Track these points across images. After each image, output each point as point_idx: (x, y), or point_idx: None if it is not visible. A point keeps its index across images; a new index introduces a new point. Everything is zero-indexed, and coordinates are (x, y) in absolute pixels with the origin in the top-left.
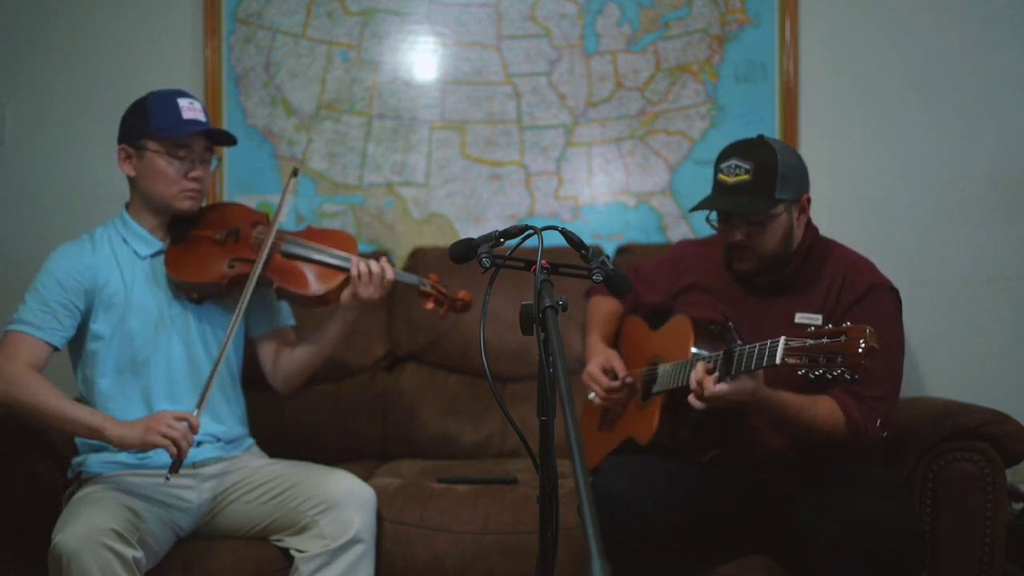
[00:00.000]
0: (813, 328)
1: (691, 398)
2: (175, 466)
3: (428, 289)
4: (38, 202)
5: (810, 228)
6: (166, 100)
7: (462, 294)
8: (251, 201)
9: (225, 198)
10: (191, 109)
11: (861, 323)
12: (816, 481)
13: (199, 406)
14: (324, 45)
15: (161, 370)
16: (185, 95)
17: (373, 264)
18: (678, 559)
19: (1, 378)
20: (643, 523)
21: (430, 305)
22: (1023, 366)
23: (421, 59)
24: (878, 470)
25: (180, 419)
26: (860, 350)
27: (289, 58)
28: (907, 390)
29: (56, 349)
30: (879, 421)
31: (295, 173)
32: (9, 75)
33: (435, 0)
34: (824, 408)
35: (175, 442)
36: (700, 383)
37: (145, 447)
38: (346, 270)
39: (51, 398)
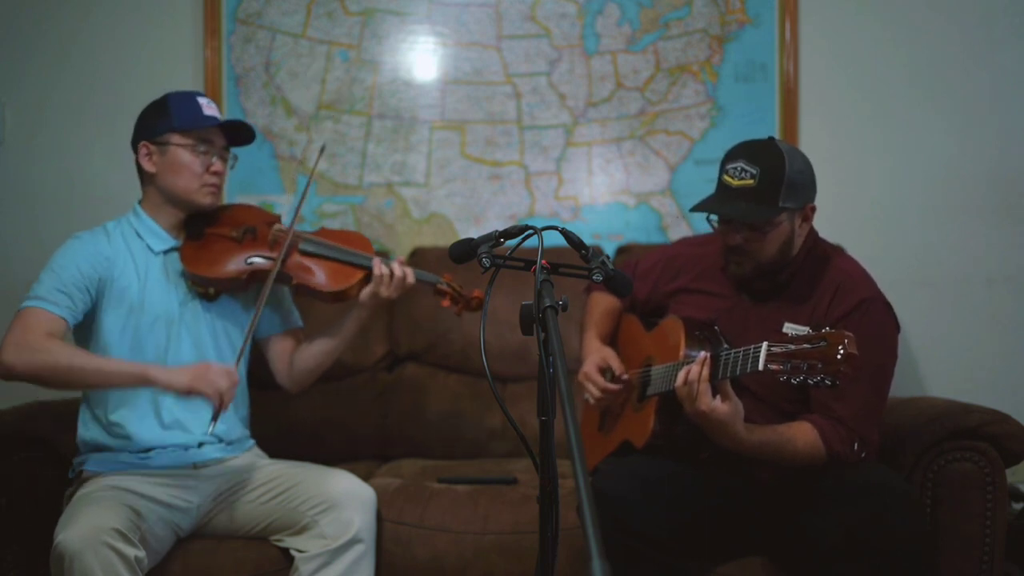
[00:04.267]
0: (795, 335)
1: (677, 387)
2: (216, 416)
3: (444, 287)
4: (38, 202)
5: (811, 235)
6: (186, 98)
7: (476, 292)
8: (251, 201)
9: (225, 198)
10: (210, 107)
11: None
12: (818, 482)
13: (237, 362)
14: (324, 45)
15: (172, 366)
16: (202, 95)
17: (396, 267)
18: (678, 559)
19: (26, 348)
20: (643, 523)
21: (446, 303)
22: (1023, 366)
23: (421, 59)
24: (881, 470)
25: (223, 373)
26: (839, 356)
27: (289, 58)
28: (907, 390)
29: (69, 327)
30: (856, 444)
31: (322, 151)
32: (9, 75)
33: (435, 0)
34: (803, 441)
35: (220, 394)
36: (694, 384)
37: (190, 393)
38: (365, 268)
39: (84, 356)
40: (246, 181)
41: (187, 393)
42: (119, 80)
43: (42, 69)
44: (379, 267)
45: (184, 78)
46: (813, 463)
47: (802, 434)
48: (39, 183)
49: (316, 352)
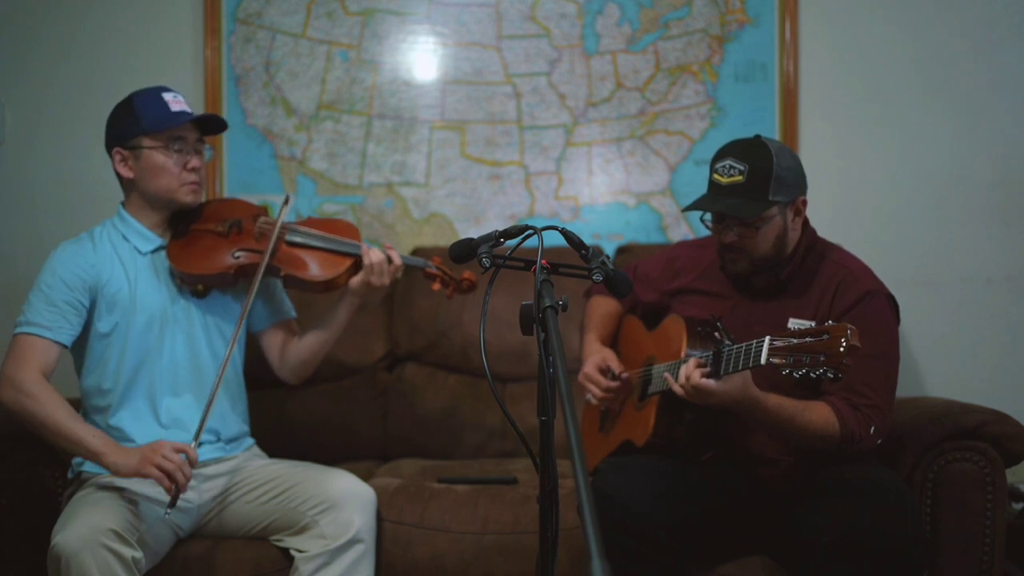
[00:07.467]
0: (797, 329)
1: (676, 386)
2: (172, 500)
3: (433, 270)
4: (37, 202)
5: (807, 231)
6: (152, 97)
7: (466, 274)
8: (251, 201)
9: (224, 196)
10: (177, 102)
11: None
12: (817, 482)
13: (196, 437)
14: (324, 45)
15: (165, 366)
16: (167, 89)
17: (383, 253)
18: (678, 559)
19: (13, 385)
20: (642, 523)
21: (436, 286)
22: (1023, 366)
23: (421, 59)
24: (880, 471)
25: (178, 451)
26: (842, 348)
27: (289, 58)
28: (907, 390)
29: (66, 348)
30: (873, 429)
31: (287, 202)
32: (9, 75)
33: (435, 0)
34: (818, 414)
35: (169, 474)
36: (688, 377)
37: (140, 476)
38: (353, 256)
39: (60, 414)
40: (246, 181)
41: (136, 476)
42: (119, 80)
43: (42, 69)
44: (367, 254)
45: (184, 78)
46: (825, 439)
47: (818, 408)
48: (39, 183)
49: (310, 343)
